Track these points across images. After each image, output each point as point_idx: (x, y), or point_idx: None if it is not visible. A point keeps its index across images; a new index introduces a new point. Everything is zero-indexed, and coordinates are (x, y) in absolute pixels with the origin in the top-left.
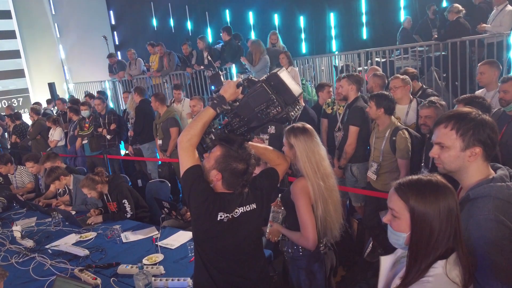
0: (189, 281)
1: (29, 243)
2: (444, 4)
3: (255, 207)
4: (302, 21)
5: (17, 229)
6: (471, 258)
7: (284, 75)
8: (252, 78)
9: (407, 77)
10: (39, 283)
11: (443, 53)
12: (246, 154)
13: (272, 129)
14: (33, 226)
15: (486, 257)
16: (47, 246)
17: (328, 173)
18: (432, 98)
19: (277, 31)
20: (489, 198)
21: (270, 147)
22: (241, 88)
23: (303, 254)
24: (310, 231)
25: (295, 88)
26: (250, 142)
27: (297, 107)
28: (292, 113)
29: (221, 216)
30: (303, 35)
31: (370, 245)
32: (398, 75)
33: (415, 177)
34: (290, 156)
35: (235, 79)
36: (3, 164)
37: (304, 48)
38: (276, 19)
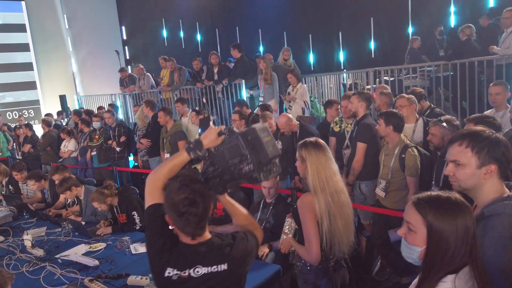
0: None
1: (39, 252)
2: (452, 24)
3: (226, 268)
4: (311, 38)
5: (27, 238)
6: (486, 275)
7: (262, 131)
8: (233, 128)
9: (412, 96)
10: None
11: (451, 73)
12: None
13: (278, 145)
14: (43, 235)
15: (501, 274)
16: (57, 256)
17: (339, 188)
18: (448, 117)
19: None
20: (504, 215)
21: (245, 211)
22: (222, 136)
23: (311, 269)
24: (313, 246)
25: (273, 148)
26: (226, 197)
27: (274, 169)
28: (263, 176)
29: (169, 273)
30: (311, 53)
31: (379, 263)
32: (404, 94)
33: (434, 193)
34: (302, 170)
35: (244, 95)
36: (18, 172)
37: (312, 65)
38: (285, 36)
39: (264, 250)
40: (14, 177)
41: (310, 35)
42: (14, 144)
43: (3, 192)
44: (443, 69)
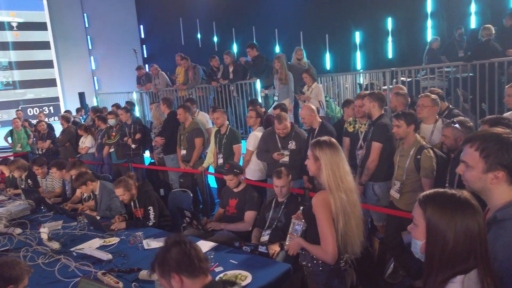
0: None
1: (55, 245)
2: (473, 25)
3: None
4: (327, 38)
5: (44, 231)
6: (496, 279)
7: None
8: None
9: (437, 97)
10: (63, 284)
11: (470, 74)
12: None
13: (292, 145)
14: (60, 229)
15: None
16: (72, 249)
17: (352, 187)
18: (461, 119)
19: (302, 48)
20: None
21: None
22: None
23: (323, 270)
24: (330, 244)
25: None
26: None
27: None
28: None
29: None
30: (327, 53)
31: (392, 265)
32: (429, 93)
33: (441, 190)
34: (314, 169)
35: (259, 95)
36: (39, 166)
37: (328, 65)
38: (301, 36)
39: (275, 248)
40: (34, 172)
41: (327, 35)
42: (35, 139)
43: (22, 186)
44: (462, 70)
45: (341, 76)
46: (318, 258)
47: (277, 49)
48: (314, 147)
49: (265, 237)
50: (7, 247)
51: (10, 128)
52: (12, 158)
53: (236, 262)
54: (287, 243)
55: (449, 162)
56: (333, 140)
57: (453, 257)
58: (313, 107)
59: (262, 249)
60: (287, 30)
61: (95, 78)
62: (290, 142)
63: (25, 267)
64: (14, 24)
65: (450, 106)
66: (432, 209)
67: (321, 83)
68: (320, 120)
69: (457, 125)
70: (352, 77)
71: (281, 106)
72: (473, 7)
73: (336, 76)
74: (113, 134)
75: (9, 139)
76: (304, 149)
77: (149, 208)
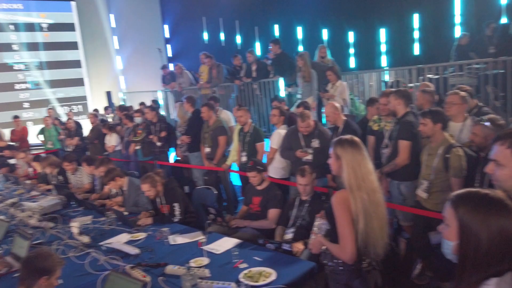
0: (233, 286)
1: (85, 239)
2: (505, 20)
3: None
4: (351, 36)
5: (75, 226)
6: None
7: None
8: None
9: (466, 95)
10: (93, 276)
11: (501, 71)
12: None
13: (316, 143)
14: (89, 223)
15: None
16: (101, 243)
17: (375, 187)
18: (492, 116)
19: (325, 46)
20: None
21: None
22: None
23: (344, 269)
24: (348, 244)
25: None
26: None
27: None
28: None
29: None
30: (352, 50)
31: (419, 266)
32: (458, 91)
33: (474, 189)
34: (336, 168)
35: (282, 92)
36: (69, 162)
37: (352, 62)
38: (325, 33)
39: (299, 247)
40: (64, 168)
41: (352, 32)
42: (64, 137)
43: (54, 182)
44: (493, 67)
45: (366, 74)
46: (337, 256)
47: (300, 47)
48: (335, 146)
49: (288, 235)
50: (40, 241)
51: (42, 126)
52: (44, 155)
53: (261, 259)
54: (310, 241)
55: (478, 161)
56: (356, 138)
57: (487, 258)
58: (337, 105)
59: (286, 246)
60: (311, 28)
61: (121, 77)
62: (313, 140)
63: (58, 259)
64: (45, 25)
65: (480, 104)
66: (465, 209)
67: (345, 81)
68: (345, 118)
69: (487, 123)
70: (377, 75)
71: (304, 104)
72: (503, 0)
73: (361, 74)
74: (139, 132)
75: (41, 136)
76: (327, 148)
77: (174, 204)
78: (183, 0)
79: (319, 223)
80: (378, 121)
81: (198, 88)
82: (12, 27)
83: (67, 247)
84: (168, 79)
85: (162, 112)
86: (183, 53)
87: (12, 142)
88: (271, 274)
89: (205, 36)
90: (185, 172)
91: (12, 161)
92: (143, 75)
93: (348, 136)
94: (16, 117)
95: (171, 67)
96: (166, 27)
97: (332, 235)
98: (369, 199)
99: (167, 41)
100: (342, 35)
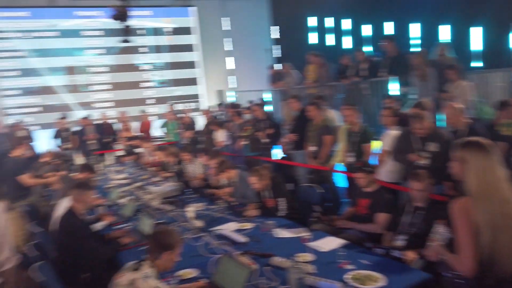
0: (340, 285)
1: (199, 223)
2: None
3: None
4: (474, 33)
5: (191, 210)
6: None
7: None
8: None
9: None
10: (205, 258)
11: None
12: None
13: (433, 147)
14: (202, 210)
15: None
16: (212, 229)
17: (507, 197)
18: None
19: (445, 44)
20: None
21: None
22: None
23: (465, 283)
24: (466, 256)
25: None
26: None
27: None
28: None
29: None
30: (477, 47)
31: None
32: None
33: None
34: (460, 173)
35: (394, 92)
36: (187, 153)
37: (478, 61)
38: (444, 31)
39: (411, 255)
40: (182, 158)
41: (479, 28)
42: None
43: (173, 170)
44: None
45: (493, 73)
46: (453, 267)
47: (415, 44)
48: (461, 148)
49: (398, 242)
50: (162, 221)
51: (165, 120)
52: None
53: (369, 263)
54: (428, 248)
55: None
56: (486, 141)
57: None
58: (459, 106)
59: (395, 253)
60: (428, 26)
61: (232, 77)
62: (429, 143)
63: (179, 238)
64: (168, 30)
65: None
66: None
67: (468, 81)
68: (467, 121)
69: None
70: (507, 74)
71: (420, 105)
72: None
73: (487, 73)
74: (247, 128)
75: (164, 129)
76: (446, 152)
77: (281, 199)
78: (291, 2)
79: (441, 231)
80: (509, 125)
81: (304, 87)
82: (143, 31)
83: (183, 229)
84: (275, 78)
85: (270, 109)
86: (290, 54)
87: (138, 133)
88: (380, 279)
89: (313, 36)
90: (289, 170)
91: (137, 150)
92: (252, 75)
93: (476, 138)
94: (143, 111)
95: (278, 67)
96: (274, 28)
97: (453, 244)
98: (500, 210)
99: (275, 42)
100: (466, 30)
